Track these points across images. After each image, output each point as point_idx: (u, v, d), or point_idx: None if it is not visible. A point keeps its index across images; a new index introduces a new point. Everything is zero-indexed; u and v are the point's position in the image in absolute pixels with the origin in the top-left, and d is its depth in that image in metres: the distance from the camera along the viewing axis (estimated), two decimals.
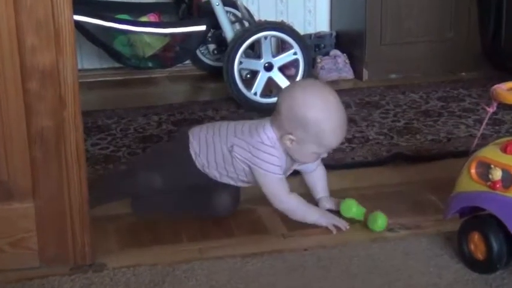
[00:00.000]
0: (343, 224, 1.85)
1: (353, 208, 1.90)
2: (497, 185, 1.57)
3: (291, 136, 1.80)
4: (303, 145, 1.80)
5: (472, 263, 1.64)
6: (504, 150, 1.59)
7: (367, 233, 1.84)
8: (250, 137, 1.83)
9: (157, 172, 1.88)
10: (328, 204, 1.95)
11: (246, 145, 1.83)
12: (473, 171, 1.62)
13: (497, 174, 1.57)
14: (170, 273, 1.66)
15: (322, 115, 1.77)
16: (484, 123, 1.71)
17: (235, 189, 1.93)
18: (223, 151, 1.86)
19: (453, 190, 1.68)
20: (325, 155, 1.88)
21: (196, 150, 1.88)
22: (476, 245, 1.62)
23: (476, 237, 1.62)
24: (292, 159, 1.87)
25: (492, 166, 1.58)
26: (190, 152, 1.88)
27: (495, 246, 1.58)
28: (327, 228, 1.84)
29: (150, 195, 1.90)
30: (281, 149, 1.83)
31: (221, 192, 1.90)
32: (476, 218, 1.64)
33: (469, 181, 1.63)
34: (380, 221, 1.84)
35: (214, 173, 1.89)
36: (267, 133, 1.82)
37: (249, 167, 1.84)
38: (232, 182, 1.91)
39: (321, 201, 1.95)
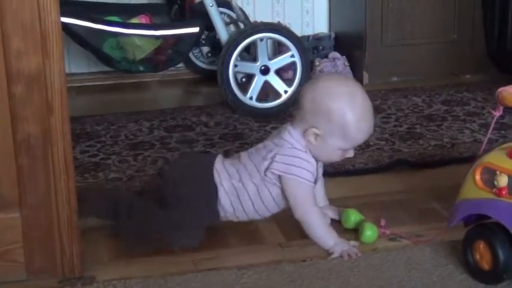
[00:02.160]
0: (354, 252, 1.75)
1: (351, 217, 1.86)
2: (503, 192, 1.55)
3: (315, 130, 1.75)
4: (327, 140, 1.76)
5: (477, 273, 1.62)
6: (510, 155, 1.57)
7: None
8: (280, 147, 1.78)
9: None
10: (331, 213, 1.91)
11: (279, 157, 1.77)
12: (478, 177, 1.60)
13: (503, 181, 1.55)
14: (163, 286, 1.64)
15: (346, 104, 1.73)
16: (491, 128, 1.68)
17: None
18: (257, 185, 1.79)
19: (457, 197, 1.66)
20: (351, 154, 1.82)
21: (223, 201, 1.81)
22: (482, 255, 1.60)
23: (481, 246, 1.60)
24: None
25: (498, 172, 1.56)
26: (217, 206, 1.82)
27: (501, 255, 1.56)
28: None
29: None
30: (310, 154, 1.78)
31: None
32: (481, 227, 1.62)
33: (473, 188, 1.61)
34: (369, 232, 1.80)
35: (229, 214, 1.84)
36: (293, 135, 1.78)
37: (281, 180, 1.77)
38: (235, 219, 1.86)
39: (323, 211, 1.90)
